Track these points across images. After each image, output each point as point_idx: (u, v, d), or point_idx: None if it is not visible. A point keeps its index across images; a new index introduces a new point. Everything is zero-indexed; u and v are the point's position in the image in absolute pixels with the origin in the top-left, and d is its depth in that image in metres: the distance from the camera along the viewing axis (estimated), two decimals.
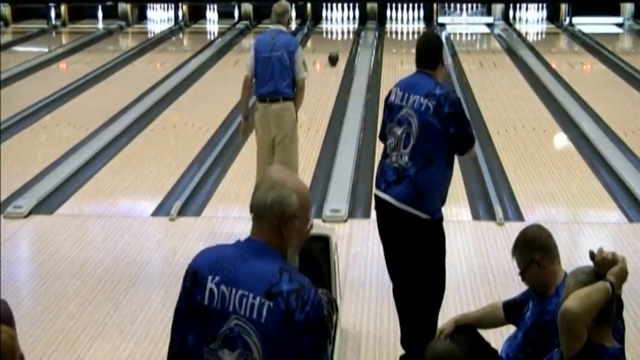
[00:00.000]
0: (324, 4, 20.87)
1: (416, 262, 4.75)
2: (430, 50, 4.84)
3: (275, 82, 6.99)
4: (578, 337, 3.31)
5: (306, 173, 8.85)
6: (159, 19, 21.18)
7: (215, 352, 2.84)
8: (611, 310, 3.39)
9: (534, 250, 3.98)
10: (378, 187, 4.84)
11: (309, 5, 20.62)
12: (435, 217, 4.72)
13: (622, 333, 3.55)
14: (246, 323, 2.79)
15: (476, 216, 7.78)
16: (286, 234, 2.86)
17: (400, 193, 4.68)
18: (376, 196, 4.86)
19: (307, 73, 7.14)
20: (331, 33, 20.01)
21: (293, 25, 19.89)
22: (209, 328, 2.84)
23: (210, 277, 2.85)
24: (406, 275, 4.83)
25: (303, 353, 2.77)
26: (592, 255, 3.45)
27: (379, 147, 6.45)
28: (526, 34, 19.23)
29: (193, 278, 2.89)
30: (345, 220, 7.59)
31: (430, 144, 4.66)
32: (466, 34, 19.90)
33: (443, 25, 20.03)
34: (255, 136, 7.23)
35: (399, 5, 20.67)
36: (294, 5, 20.15)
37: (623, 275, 3.41)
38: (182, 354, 2.92)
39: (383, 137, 4.95)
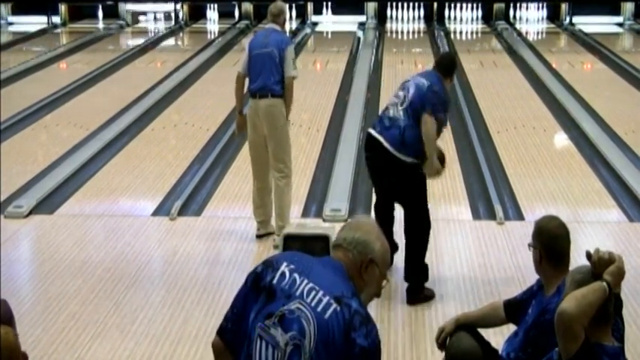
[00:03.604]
0: (324, 4, 20.86)
1: (399, 197, 6.06)
2: (450, 62, 6.28)
3: (264, 79, 6.99)
4: (575, 337, 3.31)
5: (306, 173, 8.86)
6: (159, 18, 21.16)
7: (268, 330, 2.87)
8: (609, 310, 3.38)
9: (540, 242, 3.97)
10: (373, 127, 6.11)
11: (309, 5, 20.58)
12: (414, 162, 5.93)
13: (622, 332, 3.55)
14: (309, 311, 2.84)
15: (476, 215, 7.78)
16: (366, 278, 2.97)
17: (390, 137, 5.94)
18: (371, 135, 6.07)
19: (297, 72, 7.08)
20: (331, 33, 19.99)
21: (294, 25, 19.89)
22: (270, 304, 2.89)
23: (285, 263, 2.95)
24: (390, 201, 6.20)
25: None
26: (589, 255, 3.45)
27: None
28: (526, 33, 19.23)
29: (266, 264, 2.98)
30: (346, 220, 7.59)
31: (417, 106, 5.93)
32: (466, 34, 19.91)
33: (443, 25, 20.02)
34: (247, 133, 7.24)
35: (399, 4, 20.67)
36: (294, 5, 20.20)
37: (620, 274, 3.41)
38: (233, 329, 2.97)
39: None
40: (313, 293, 2.86)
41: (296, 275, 2.90)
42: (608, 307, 3.38)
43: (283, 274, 2.91)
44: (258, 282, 2.94)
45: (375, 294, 3.04)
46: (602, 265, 3.40)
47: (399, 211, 6.41)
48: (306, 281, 2.88)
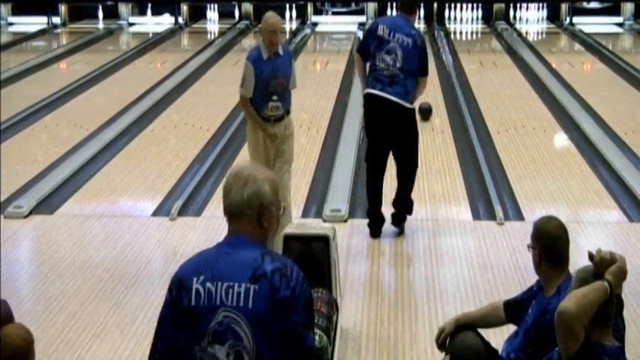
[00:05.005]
0: (324, 4, 20.85)
1: (404, 135, 7.01)
2: (410, 1, 7.19)
3: None
4: (575, 336, 3.31)
5: (306, 173, 8.85)
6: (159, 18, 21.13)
7: (206, 349, 2.86)
8: (609, 310, 3.38)
9: (539, 242, 3.97)
10: (373, 87, 6.97)
11: (309, 5, 20.57)
12: (412, 107, 7.04)
13: (622, 332, 3.54)
14: (234, 313, 2.83)
15: (476, 216, 7.78)
16: (265, 223, 2.95)
17: (395, 90, 6.91)
18: (372, 94, 6.97)
19: (242, 90, 6.76)
20: (331, 33, 19.99)
21: (294, 25, 19.88)
22: (198, 326, 2.86)
23: (194, 279, 2.90)
24: (393, 150, 7.11)
25: (294, 329, 2.84)
26: (591, 256, 3.45)
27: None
28: (526, 33, 19.23)
29: (178, 286, 2.93)
30: (345, 220, 7.59)
31: (409, 65, 6.93)
32: (466, 34, 19.93)
33: (443, 25, 20.03)
34: None
35: (399, 5, 20.64)
36: (294, 5, 20.19)
37: (621, 274, 3.40)
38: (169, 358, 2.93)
39: (363, 53, 7.13)
40: (231, 292, 2.84)
41: (209, 285, 2.87)
42: (609, 307, 3.37)
43: (198, 291, 2.87)
44: (177, 308, 2.90)
45: (277, 226, 3.03)
46: (604, 266, 3.40)
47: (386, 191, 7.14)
48: (219, 284, 2.86)
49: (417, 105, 7.43)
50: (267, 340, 2.82)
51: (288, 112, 6.91)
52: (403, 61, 6.91)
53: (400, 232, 7.26)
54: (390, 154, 7.18)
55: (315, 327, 3.07)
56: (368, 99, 7.06)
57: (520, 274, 6.40)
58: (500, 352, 4.17)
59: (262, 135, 6.82)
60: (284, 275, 2.85)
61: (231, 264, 2.89)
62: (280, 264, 2.88)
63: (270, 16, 6.76)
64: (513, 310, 4.22)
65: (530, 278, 4.88)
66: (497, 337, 4.59)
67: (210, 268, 2.91)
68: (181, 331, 2.89)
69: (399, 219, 7.29)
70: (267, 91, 6.74)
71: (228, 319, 2.83)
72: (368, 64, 7.09)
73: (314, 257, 5.22)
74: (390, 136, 7.01)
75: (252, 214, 2.93)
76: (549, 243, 3.95)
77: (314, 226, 6.56)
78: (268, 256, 2.89)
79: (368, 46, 7.08)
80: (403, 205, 7.26)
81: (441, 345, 4.29)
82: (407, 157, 7.12)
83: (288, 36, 18.38)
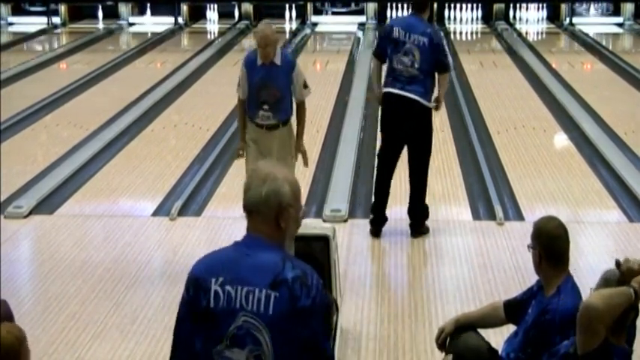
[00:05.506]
0: (324, 4, 20.84)
1: (420, 133, 7.08)
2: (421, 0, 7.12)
3: None
4: (596, 333, 3.32)
5: (306, 173, 8.84)
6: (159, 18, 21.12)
7: (223, 353, 2.84)
8: (630, 317, 3.38)
9: (539, 242, 3.97)
10: (393, 86, 7.02)
11: (309, 5, 20.57)
12: (431, 105, 7.09)
13: (632, 339, 3.56)
14: (254, 318, 2.81)
15: (476, 216, 7.78)
16: (283, 224, 2.91)
17: (414, 89, 6.97)
18: (392, 93, 7.03)
19: (239, 92, 6.73)
20: (331, 33, 19.99)
21: (294, 25, 19.88)
22: (216, 329, 2.84)
23: (213, 280, 2.86)
24: (409, 148, 7.16)
25: (314, 337, 2.82)
26: (618, 264, 3.45)
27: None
28: (526, 33, 19.23)
29: (195, 285, 2.90)
30: (345, 220, 7.59)
31: (427, 64, 6.98)
32: (466, 34, 19.93)
33: (443, 25, 20.02)
34: None
35: (399, 5, 20.66)
36: (294, 5, 20.18)
37: None
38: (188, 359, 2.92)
39: (380, 56, 7.22)
40: (251, 296, 2.81)
41: (228, 288, 2.83)
42: (631, 314, 3.37)
43: (217, 293, 2.84)
44: (195, 309, 2.88)
45: (296, 229, 2.98)
46: (630, 275, 3.39)
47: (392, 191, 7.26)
48: (239, 288, 2.82)
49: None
50: (286, 347, 2.81)
51: (284, 123, 6.75)
52: (421, 62, 6.95)
53: (421, 234, 7.23)
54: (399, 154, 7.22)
55: None
56: (387, 98, 7.10)
57: (520, 274, 6.40)
58: (500, 352, 4.17)
59: (256, 139, 6.81)
60: (304, 284, 2.81)
61: (251, 267, 2.85)
62: (301, 271, 2.84)
63: (262, 29, 6.48)
64: (513, 310, 4.22)
65: (530, 278, 4.88)
66: (497, 337, 4.59)
67: (229, 269, 2.87)
68: (198, 332, 2.88)
69: (417, 226, 7.25)
70: (258, 99, 6.63)
71: (248, 324, 2.81)
72: (385, 66, 7.16)
73: (314, 257, 5.21)
74: (408, 134, 7.06)
75: (269, 213, 2.89)
76: (549, 243, 3.96)
77: (314, 226, 6.56)
78: (289, 263, 2.85)
79: (384, 49, 7.13)
80: (420, 211, 7.25)
81: (441, 345, 4.30)
82: (421, 155, 7.13)
83: (288, 36, 18.37)
